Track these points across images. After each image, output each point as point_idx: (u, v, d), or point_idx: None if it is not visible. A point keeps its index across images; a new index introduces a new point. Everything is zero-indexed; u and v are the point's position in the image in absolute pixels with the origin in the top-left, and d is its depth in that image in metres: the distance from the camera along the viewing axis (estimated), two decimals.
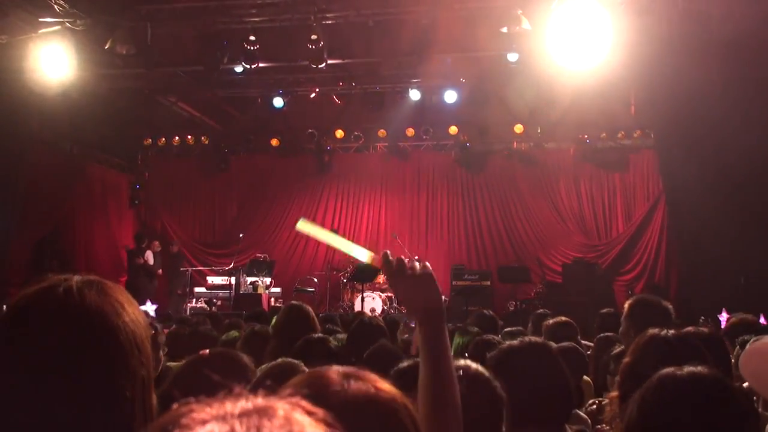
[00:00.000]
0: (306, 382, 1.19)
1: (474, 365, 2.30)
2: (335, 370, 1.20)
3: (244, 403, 0.75)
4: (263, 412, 0.74)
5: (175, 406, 0.77)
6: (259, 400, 0.76)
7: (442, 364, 1.68)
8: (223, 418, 0.73)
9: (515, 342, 2.79)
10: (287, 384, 1.21)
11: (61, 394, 1.27)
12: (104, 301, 1.35)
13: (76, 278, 1.38)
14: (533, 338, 2.89)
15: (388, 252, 1.79)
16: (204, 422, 0.72)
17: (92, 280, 1.38)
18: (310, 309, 4.82)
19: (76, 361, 1.29)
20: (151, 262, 15.09)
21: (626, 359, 2.60)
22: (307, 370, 2.46)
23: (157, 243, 15.64)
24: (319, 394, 1.09)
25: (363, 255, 1.86)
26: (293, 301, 5.39)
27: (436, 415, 1.62)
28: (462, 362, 2.30)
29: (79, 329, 1.31)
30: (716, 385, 1.85)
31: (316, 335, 4.05)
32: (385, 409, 1.15)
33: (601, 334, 5.37)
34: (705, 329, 3.58)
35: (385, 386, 1.19)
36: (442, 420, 1.63)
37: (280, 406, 0.76)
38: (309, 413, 0.78)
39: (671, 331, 2.62)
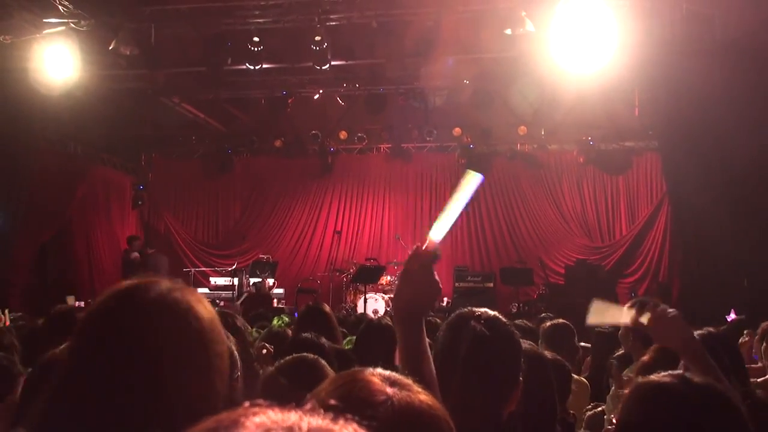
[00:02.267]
0: (347, 387, 1.15)
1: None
2: (376, 375, 1.17)
3: (310, 420, 0.73)
4: None
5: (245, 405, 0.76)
6: (324, 421, 0.74)
7: (425, 363, 1.68)
8: (287, 428, 0.71)
9: None
10: (321, 387, 1.20)
11: (148, 397, 1.25)
12: (197, 299, 1.36)
13: (169, 281, 1.38)
14: (528, 345, 2.76)
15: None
16: (266, 429, 0.71)
17: (185, 286, 1.39)
18: (329, 309, 4.79)
19: (170, 363, 1.27)
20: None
21: (645, 358, 2.60)
22: (326, 367, 2.47)
23: (140, 244, 15.61)
24: (363, 403, 1.07)
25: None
26: (311, 302, 5.35)
27: None
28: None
29: (178, 329, 1.31)
30: (709, 392, 1.85)
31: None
32: (430, 423, 1.13)
33: (599, 330, 5.37)
34: (713, 329, 3.57)
35: (426, 397, 1.16)
36: None
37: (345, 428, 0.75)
38: None
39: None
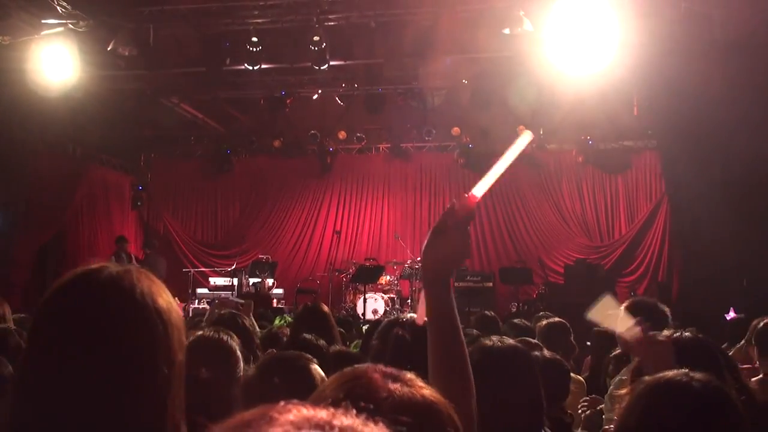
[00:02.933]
0: (349, 384, 1.15)
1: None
2: (377, 371, 1.17)
3: (342, 419, 0.74)
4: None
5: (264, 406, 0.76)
6: (356, 421, 0.75)
7: (454, 325, 1.65)
8: (319, 426, 0.71)
9: (489, 342, 2.64)
10: (325, 384, 1.20)
11: (102, 371, 1.30)
12: (151, 286, 1.41)
13: (128, 265, 1.45)
14: (509, 341, 2.74)
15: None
16: (297, 426, 0.71)
17: (141, 269, 1.44)
18: (327, 309, 4.80)
19: (117, 338, 1.33)
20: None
21: (639, 358, 2.60)
22: (311, 360, 2.46)
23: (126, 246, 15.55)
24: (365, 399, 1.06)
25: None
26: (309, 303, 5.35)
27: (451, 378, 1.59)
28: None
29: (127, 308, 1.36)
30: (713, 392, 1.85)
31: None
32: (432, 417, 1.13)
33: (598, 329, 5.37)
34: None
35: (428, 391, 1.16)
36: (458, 383, 1.60)
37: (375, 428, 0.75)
38: None
39: (686, 334, 2.63)
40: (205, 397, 2.17)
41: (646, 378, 1.96)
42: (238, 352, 2.64)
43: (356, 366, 1.21)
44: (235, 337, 2.71)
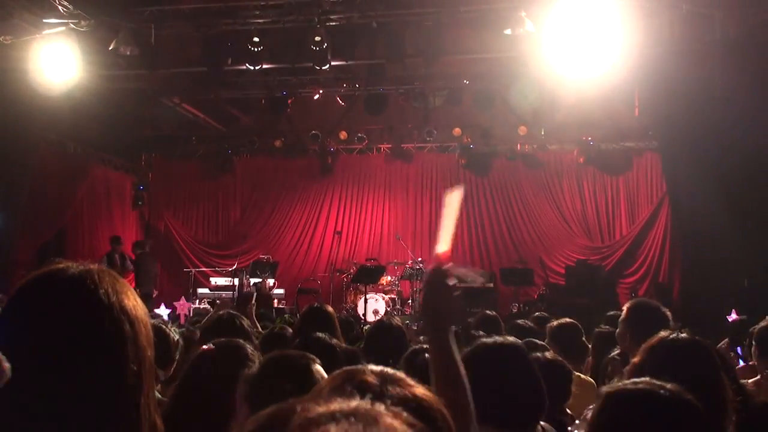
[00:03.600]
0: (342, 384, 1.18)
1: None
2: (370, 372, 1.21)
3: (351, 406, 0.75)
4: (370, 417, 0.74)
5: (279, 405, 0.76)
6: (367, 406, 0.76)
7: (454, 366, 1.75)
8: (334, 418, 0.72)
9: (488, 341, 2.74)
10: (319, 385, 1.25)
11: (70, 372, 1.30)
12: (115, 284, 1.41)
13: (88, 264, 1.44)
14: (507, 338, 2.81)
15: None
16: (316, 423, 0.72)
17: (104, 268, 1.44)
18: (332, 310, 4.80)
19: (84, 338, 1.33)
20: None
21: (635, 360, 2.60)
22: (314, 360, 2.46)
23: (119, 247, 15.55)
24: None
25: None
26: (315, 303, 5.32)
27: (454, 406, 1.64)
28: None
29: (91, 307, 1.36)
30: (679, 403, 1.86)
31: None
32: (424, 415, 1.14)
33: (599, 329, 5.37)
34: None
35: (421, 391, 1.20)
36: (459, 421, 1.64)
37: (385, 415, 0.76)
38: (410, 425, 0.78)
39: (683, 335, 2.62)
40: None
41: (606, 388, 2.01)
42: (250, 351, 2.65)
43: (349, 367, 1.25)
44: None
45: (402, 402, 1.13)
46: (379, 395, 1.10)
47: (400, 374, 1.21)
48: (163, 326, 3.99)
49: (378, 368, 1.22)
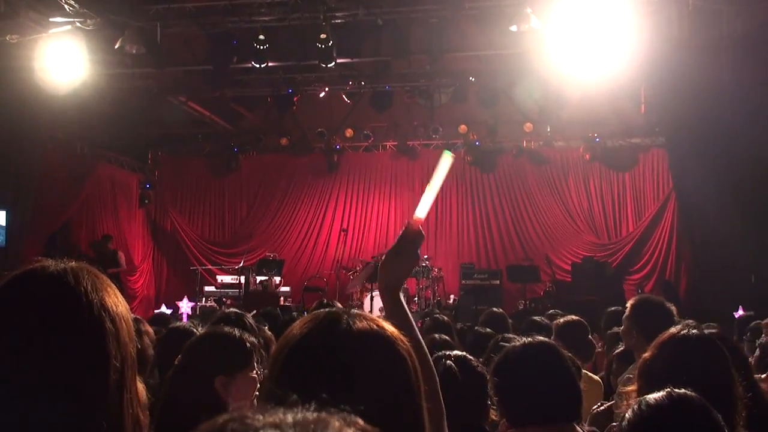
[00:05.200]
0: (315, 321, 1.32)
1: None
2: (344, 313, 1.33)
3: (299, 414, 0.75)
4: (318, 424, 0.74)
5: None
6: (314, 413, 0.76)
7: (407, 321, 1.84)
8: (278, 426, 0.72)
9: (519, 343, 2.73)
10: (295, 324, 1.35)
11: (52, 369, 1.30)
12: (95, 282, 1.41)
13: (69, 262, 1.44)
14: (538, 338, 2.82)
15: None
16: (257, 430, 0.72)
17: (84, 266, 1.44)
18: (341, 306, 4.79)
19: (65, 336, 1.33)
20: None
21: (646, 355, 2.60)
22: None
23: (108, 244, 15.56)
24: (329, 332, 1.28)
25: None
26: (324, 299, 5.31)
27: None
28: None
29: (71, 305, 1.36)
30: (700, 411, 1.87)
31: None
32: (387, 343, 1.30)
33: (611, 330, 5.36)
34: (714, 330, 3.55)
35: (386, 324, 1.33)
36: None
37: (334, 420, 0.76)
38: (363, 431, 0.78)
39: (694, 331, 2.61)
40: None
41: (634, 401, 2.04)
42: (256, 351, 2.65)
43: (327, 309, 1.38)
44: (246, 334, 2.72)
45: (366, 333, 1.29)
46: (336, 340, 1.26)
47: (372, 316, 1.34)
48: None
49: (354, 311, 1.35)
